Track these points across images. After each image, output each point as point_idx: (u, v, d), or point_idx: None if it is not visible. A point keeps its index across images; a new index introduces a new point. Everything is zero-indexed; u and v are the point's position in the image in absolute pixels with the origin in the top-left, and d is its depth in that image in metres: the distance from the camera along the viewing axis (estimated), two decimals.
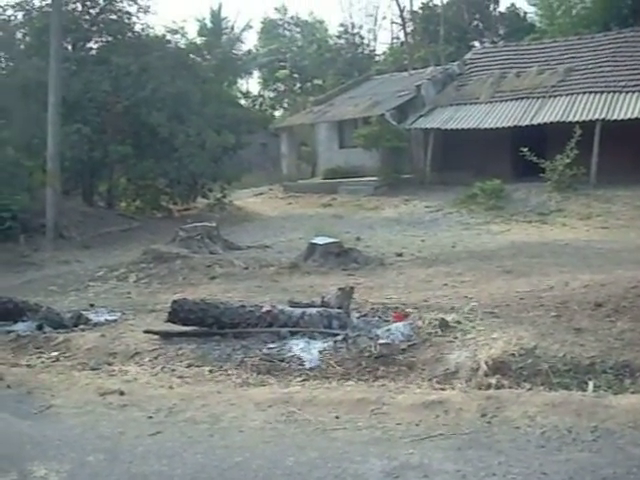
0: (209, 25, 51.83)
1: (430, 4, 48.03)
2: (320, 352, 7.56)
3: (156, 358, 7.98)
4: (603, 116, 24.42)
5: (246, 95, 46.64)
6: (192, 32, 44.46)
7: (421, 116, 28.50)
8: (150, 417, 6.27)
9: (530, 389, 6.47)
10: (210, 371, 7.48)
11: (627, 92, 25.36)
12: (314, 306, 8.72)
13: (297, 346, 7.74)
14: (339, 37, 51.81)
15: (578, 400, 5.90)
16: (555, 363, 6.88)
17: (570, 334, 7.63)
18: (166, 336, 8.48)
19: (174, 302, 8.71)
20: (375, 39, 53.29)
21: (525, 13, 47.57)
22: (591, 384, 6.49)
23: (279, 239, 19.50)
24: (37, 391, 7.15)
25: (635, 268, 10.42)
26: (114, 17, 25.83)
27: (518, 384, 6.60)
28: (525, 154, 23.20)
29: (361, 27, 52.30)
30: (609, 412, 5.60)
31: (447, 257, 14.71)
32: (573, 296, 9.25)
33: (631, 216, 19.84)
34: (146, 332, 8.64)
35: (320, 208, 26.26)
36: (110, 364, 7.98)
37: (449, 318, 8.23)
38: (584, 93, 26.26)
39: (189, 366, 7.67)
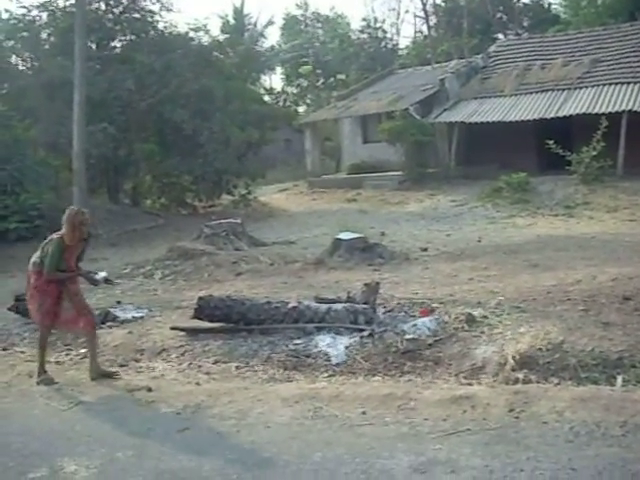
0: (232, 22, 51.98)
1: None
2: (346, 347, 7.56)
3: (183, 355, 8.04)
4: (630, 107, 24.11)
5: (269, 91, 46.71)
6: (215, 29, 44.71)
7: (445, 110, 28.36)
8: (178, 413, 6.33)
9: (558, 384, 6.44)
10: (237, 367, 7.53)
11: None
12: (340, 302, 8.73)
13: (323, 342, 7.76)
14: (362, 32, 51.64)
15: (607, 395, 5.88)
16: (583, 358, 6.84)
17: (598, 328, 7.57)
18: (192, 333, 8.53)
19: (200, 299, 8.75)
20: (398, 33, 53.22)
21: (549, 4, 47.17)
22: (620, 378, 6.44)
23: (304, 235, 19.50)
24: (66, 388, 7.23)
25: None
26: (137, 16, 25.92)
27: (546, 379, 6.57)
28: (551, 147, 23.00)
29: (384, 21, 52.30)
30: (638, 407, 5.56)
31: (472, 251, 14.63)
32: (601, 290, 9.17)
33: None
34: (172, 329, 8.70)
35: (345, 203, 26.24)
36: (137, 361, 8.06)
37: (475, 313, 8.20)
38: (610, 84, 25.96)
39: (216, 362, 7.72)
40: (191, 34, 27.23)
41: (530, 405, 5.75)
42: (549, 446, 5.07)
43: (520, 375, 6.64)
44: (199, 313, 8.64)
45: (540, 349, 7.00)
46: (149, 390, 6.90)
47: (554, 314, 8.25)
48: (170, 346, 8.28)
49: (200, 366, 7.66)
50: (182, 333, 8.57)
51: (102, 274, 7.90)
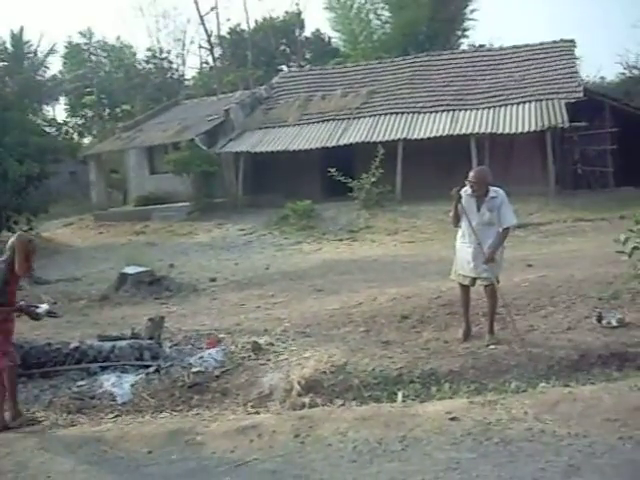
0: (10, 49, 49.56)
1: (238, 29, 48.41)
2: (132, 385, 7.39)
3: None
4: (404, 136, 25.61)
5: (51, 122, 44.96)
6: None
7: (230, 140, 28.60)
8: None
9: (342, 405, 6.62)
10: None
11: (424, 113, 26.78)
12: (124, 338, 8.51)
13: (108, 381, 7.53)
14: (147, 62, 50.98)
15: (387, 412, 6.10)
16: (365, 377, 7.10)
17: (379, 347, 7.90)
18: None
19: None
20: (184, 64, 52.67)
21: (330, 38, 48.91)
22: (400, 395, 6.73)
23: (90, 270, 18.85)
24: None
25: (439, 279, 10.91)
26: None
27: (331, 401, 6.74)
28: (333, 174, 23.86)
29: (169, 52, 51.82)
30: (416, 420, 5.82)
31: (260, 279, 14.80)
32: (381, 310, 9.59)
33: (435, 229, 20.77)
34: None
35: (133, 236, 25.67)
36: None
37: (261, 341, 8.30)
38: (386, 114, 27.40)
39: None
40: None
41: (315, 429, 5.85)
42: (334, 467, 5.19)
43: (306, 399, 6.78)
44: None
45: (324, 372, 7.19)
46: None
47: (337, 337, 8.51)
48: None
49: None
50: None
51: (44, 307, 7.22)
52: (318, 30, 49.73)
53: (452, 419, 5.72)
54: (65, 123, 46.27)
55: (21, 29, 49.79)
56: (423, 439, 5.48)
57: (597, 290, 9.32)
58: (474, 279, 8.06)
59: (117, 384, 7.45)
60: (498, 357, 7.45)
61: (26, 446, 6.19)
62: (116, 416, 6.88)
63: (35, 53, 49.86)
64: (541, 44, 28.83)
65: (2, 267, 6.70)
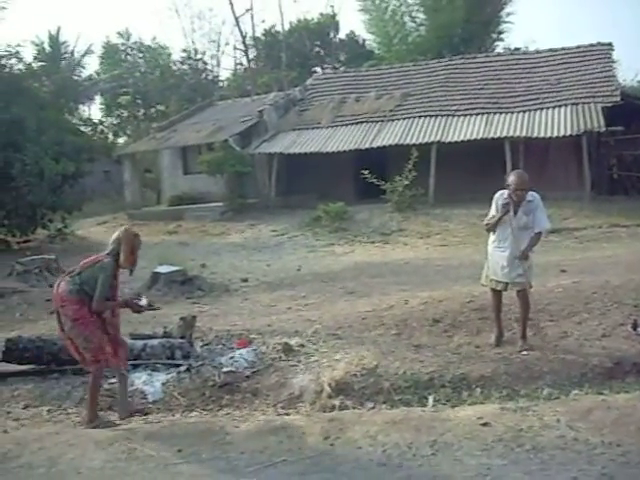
0: (48, 49, 50.22)
1: (272, 31, 48.57)
2: (163, 384, 7.43)
3: None
4: (438, 138, 25.50)
5: (87, 122, 45.41)
6: (29, 56, 42.94)
7: (264, 141, 28.67)
8: None
9: (373, 408, 6.61)
10: (48, 411, 7.22)
11: (459, 116, 26.64)
12: (156, 337, 8.56)
13: (139, 379, 7.57)
14: (182, 63, 51.36)
15: (417, 416, 6.07)
16: (396, 380, 7.07)
17: (410, 351, 7.86)
18: (0, 376, 8.09)
19: (8, 340, 8.32)
20: (218, 65, 52.91)
21: (364, 40, 48.83)
22: (431, 399, 6.70)
23: None
24: None
25: (471, 283, 10.81)
26: None
27: (361, 404, 6.73)
28: (366, 176, 23.82)
29: (204, 53, 52.14)
30: (446, 425, 5.79)
31: (292, 281, 14.81)
32: (412, 313, 9.54)
33: (467, 233, 20.65)
34: None
35: (165, 235, 25.81)
36: None
37: (292, 342, 8.29)
38: (420, 117, 27.31)
39: (26, 407, 7.37)
40: (2, 61, 25.99)
41: (345, 431, 5.83)
42: (363, 470, 5.17)
43: (336, 402, 6.77)
44: (7, 356, 8.21)
45: (355, 375, 7.17)
46: None
47: (369, 339, 8.49)
48: None
49: (9, 412, 7.27)
50: None
51: (144, 300, 7.19)
52: (352, 32, 49.77)
53: (483, 425, 5.68)
54: (100, 123, 46.75)
55: (58, 30, 50.48)
56: (454, 444, 5.45)
57: (632, 297, 9.19)
58: (507, 284, 7.99)
59: (148, 382, 7.49)
60: (530, 363, 7.39)
61: (57, 442, 6.21)
62: (146, 414, 6.92)
63: (72, 53, 50.47)
64: (578, 47, 28.48)
65: (110, 260, 6.65)
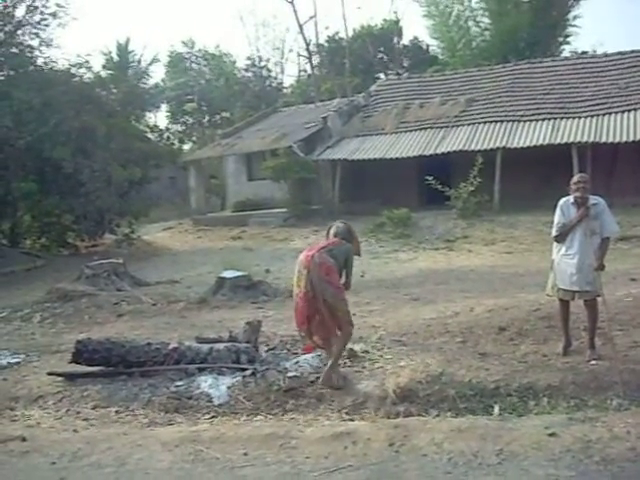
0: (115, 58, 51.38)
1: (336, 37, 48.75)
2: (228, 388, 7.47)
3: (60, 401, 7.73)
4: (503, 144, 25.21)
5: (153, 129, 46.27)
6: (98, 65, 43.98)
7: (328, 147, 28.79)
8: (53, 463, 6.05)
9: (437, 415, 6.55)
10: (116, 412, 7.31)
11: (525, 121, 26.30)
12: (222, 341, 8.62)
13: (205, 382, 7.64)
14: (246, 70, 51.97)
15: (483, 424, 6.00)
16: (461, 388, 6.99)
17: (475, 359, 7.78)
18: (71, 378, 8.25)
19: (78, 342, 8.47)
20: (282, 72, 53.43)
21: (428, 46, 48.60)
22: (496, 408, 6.61)
23: (188, 274, 19.25)
24: None
25: (537, 291, 10.64)
26: (15, 51, 25.18)
27: (426, 411, 6.67)
28: (430, 183, 23.70)
29: (268, 60, 52.65)
30: (513, 435, 5.71)
31: (355, 286, 14.60)
32: (478, 321, 9.44)
33: (533, 240, 20.37)
34: (50, 374, 8.39)
35: (230, 241, 26.11)
36: (12, 409, 7.68)
37: (357, 348, 8.28)
38: (485, 123, 27.07)
39: (95, 407, 7.48)
40: (72, 70, 26.66)
41: (410, 438, 5.80)
42: (428, 478, 5.14)
43: (401, 408, 6.73)
44: (77, 357, 8.36)
45: (420, 382, 7.12)
46: (23, 440, 6.56)
47: (433, 346, 8.43)
48: (47, 392, 7.96)
49: (78, 412, 7.39)
50: (60, 378, 8.26)
51: None
52: (416, 38, 49.65)
53: (551, 435, 5.59)
54: (166, 130, 47.55)
55: (127, 40, 51.58)
56: (520, 454, 5.37)
57: None
58: (574, 293, 7.83)
59: (214, 385, 7.55)
60: (599, 373, 7.22)
61: (125, 442, 6.33)
62: (212, 417, 6.97)
63: (139, 62, 51.52)
64: None
65: (350, 247, 7.79)
